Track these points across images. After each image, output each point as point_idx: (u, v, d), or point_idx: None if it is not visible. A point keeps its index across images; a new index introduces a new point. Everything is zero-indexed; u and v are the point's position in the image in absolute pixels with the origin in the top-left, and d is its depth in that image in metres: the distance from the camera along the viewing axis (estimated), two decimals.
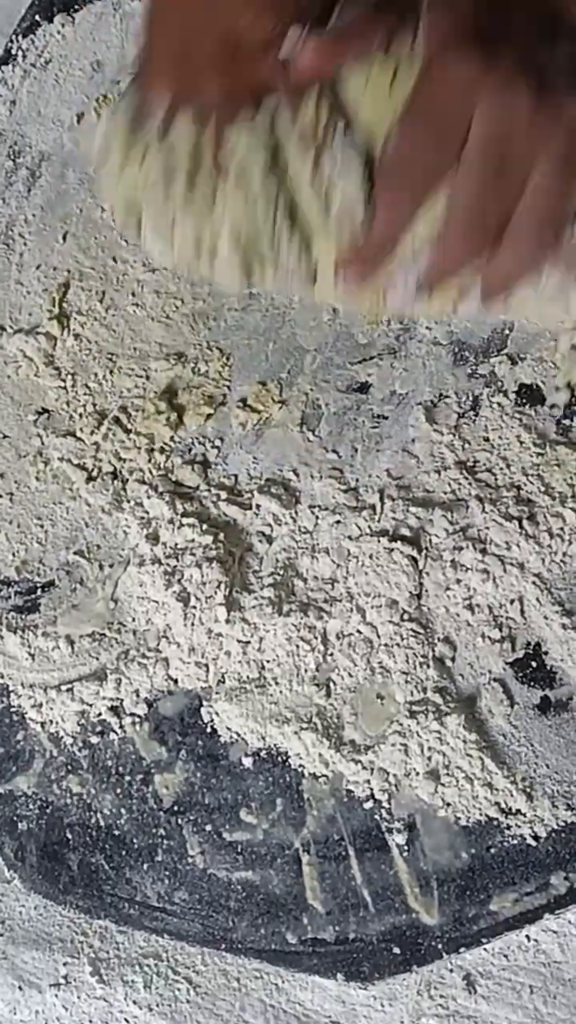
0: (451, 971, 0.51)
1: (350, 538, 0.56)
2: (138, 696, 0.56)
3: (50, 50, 0.73)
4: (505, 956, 0.51)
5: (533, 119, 0.42)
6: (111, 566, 0.59)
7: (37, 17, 0.74)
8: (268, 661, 0.55)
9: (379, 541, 0.56)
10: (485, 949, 0.51)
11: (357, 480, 0.58)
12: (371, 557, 0.55)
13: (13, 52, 0.74)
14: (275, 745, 0.54)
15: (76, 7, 0.74)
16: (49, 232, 0.68)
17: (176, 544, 0.58)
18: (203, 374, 0.63)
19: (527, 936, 0.51)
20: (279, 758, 0.54)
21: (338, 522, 0.57)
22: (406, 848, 0.51)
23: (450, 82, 0.43)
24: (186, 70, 0.48)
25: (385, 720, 0.53)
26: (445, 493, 0.57)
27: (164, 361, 0.63)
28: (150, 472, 0.60)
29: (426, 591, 0.55)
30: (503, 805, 0.51)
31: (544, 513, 0.55)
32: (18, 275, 0.68)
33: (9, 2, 0.76)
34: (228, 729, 0.55)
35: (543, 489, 0.56)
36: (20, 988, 0.54)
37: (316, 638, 0.55)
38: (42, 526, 0.61)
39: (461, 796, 0.51)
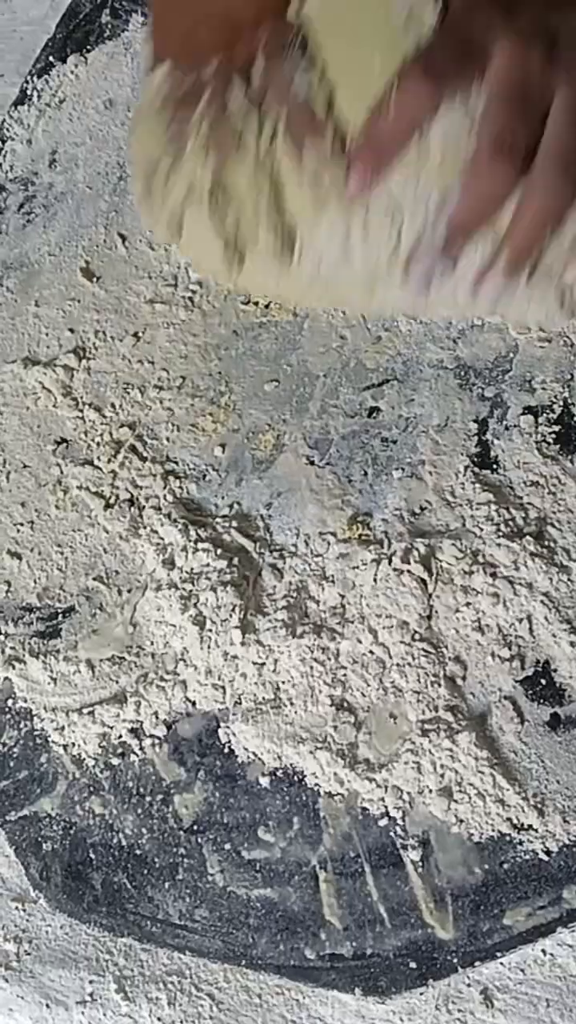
0: (468, 986, 0.51)
1: (362, 561, 0.57)
2: (157, 718, 0.57)
3: (64, 90, 0.75)
4: (522, 970, 0.51)
5: (545, 69, 0.46)
6: (129, 591, 0.60)
7: (51, 58, 0.76)
8: (283, 682, 0.56)
9: (389, 563, 0.56)
10: (501, 964, 0.51)
11: (367, 504, 0.59)
12: (382, 579, 0.56)
13: (28, 92, 0.76)
14: (291, 765, 0.54)
15: (89, 47, 0.76)
16: (65, 267, 0.70)
17: (192, 569, 0.59)
18: (215, 402, 0.64)
19: (543, 950, 0.51)
20: (295, 777, 0.54)
21: (349, 546, 0.58)
22: (421, 864, 0.52)
23: (473, 21, 0.47)
24: (190, 50, 0.53)
25: (398, 739, 0.53)
26: (454, 515, 0.57)
27: (177, 390, 0.64)
28: (165, 499, 0.61)
29: (436, 612, 0.55)
30: (515, 821, 0.51)
31: (552, 532, 0.56)
32: (36, 309, 0.69)
33: (24, 44, 0.78)
34: (245, 749, 0.55)
35: (550, 509, 0.56)
36: (47, 1006, 0.55)
37: (329, 659, 0.55)
38: (62, 553, 0.62)
39: (474, 812, 0.52)
